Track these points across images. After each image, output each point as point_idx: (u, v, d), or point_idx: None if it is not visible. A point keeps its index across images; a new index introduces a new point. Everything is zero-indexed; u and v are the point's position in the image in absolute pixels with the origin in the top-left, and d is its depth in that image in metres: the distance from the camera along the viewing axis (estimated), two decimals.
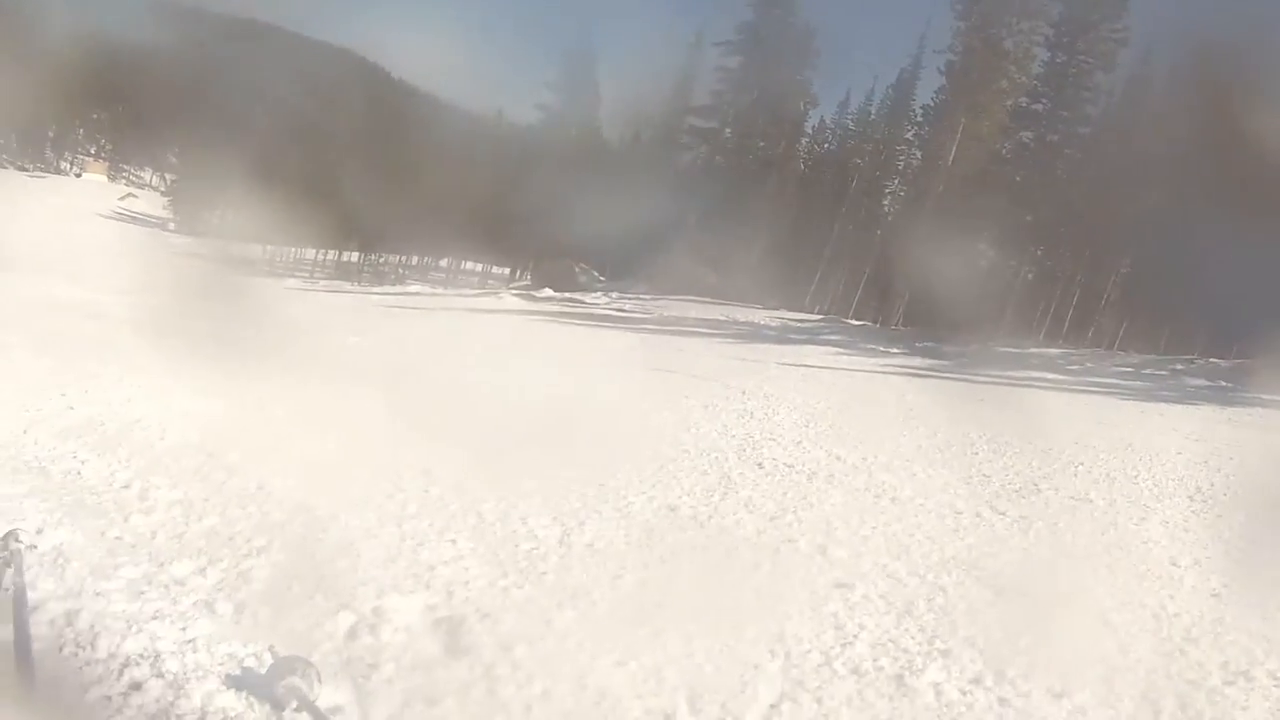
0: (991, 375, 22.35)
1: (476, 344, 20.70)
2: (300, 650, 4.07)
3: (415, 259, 44.86)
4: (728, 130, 46.85)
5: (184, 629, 4.27)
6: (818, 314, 37.32)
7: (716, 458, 10.33)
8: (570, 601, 5.48)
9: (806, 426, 13.10)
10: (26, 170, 56.27)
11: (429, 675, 4.27)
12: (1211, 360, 25.17)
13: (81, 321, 13.87)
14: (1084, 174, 36.26)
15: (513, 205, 36.47)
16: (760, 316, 33.44)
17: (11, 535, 4.83)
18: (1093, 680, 5.34)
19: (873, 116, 48.28)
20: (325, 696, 3.80)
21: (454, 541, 5.94)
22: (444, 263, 44.81)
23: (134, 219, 49.71)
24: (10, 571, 4.38)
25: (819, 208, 43.54)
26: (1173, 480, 11.79)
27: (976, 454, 12.39)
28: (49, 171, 58.85)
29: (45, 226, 36.08)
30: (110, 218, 48.60)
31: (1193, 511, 10.40)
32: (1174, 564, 8.06)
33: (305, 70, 47.38)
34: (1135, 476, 11.81)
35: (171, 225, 48.82)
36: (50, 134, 60.14)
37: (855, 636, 5.55)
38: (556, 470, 8.55)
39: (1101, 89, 40.03)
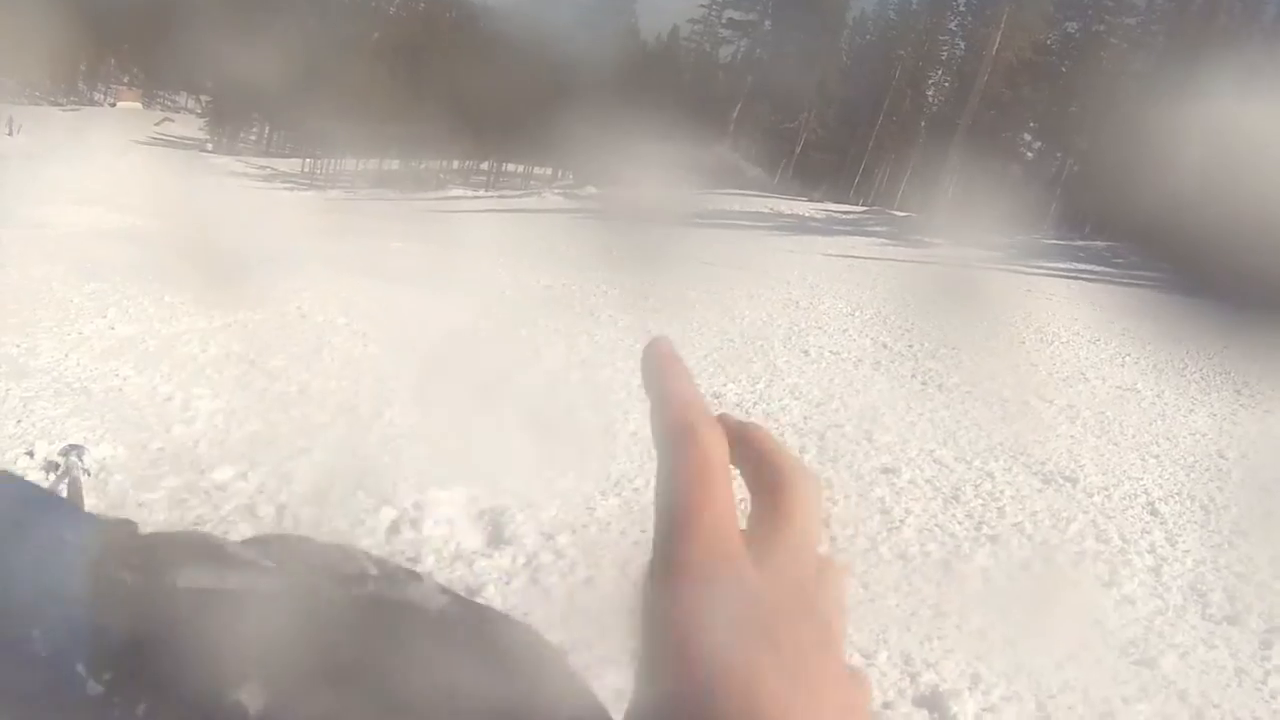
0: (1039, 266, 22.08)
1: (515, 243, 20.59)
2: None
3: (456, 163, 44.63)
4: (767, 22, 46.12)
5: (225, 533, 4.27)
6: (862, 205, 36.90)
7: (762, 346, 10.27)
8: (614, 489, 5.45)
9: (852, 315, 13.00)
10: (61, 105, 56.23)
11: (470, 566, 4.26)
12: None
13: (123, 247, 13.86)
14: (1130, 64, 35.52)
15: (550, 105, 36.12)
16: (804, 208, 33.09)
17: (74, 450, 4.86)
18: (1141, 570, 5.29)
19: (914, 6, 47.39)
20: None
21: (497, 433, 5.91)
22: (485, 166, 44.59)
23: (171, 143, 49.72)
24: (66, 485, 4.41)
25: (862, 100, 42.95)
26: (1220, 374, 11.65)
27: (1024, 343, 12.28)
28: (83, 104, 58.80)
29: (84, 158, 36.17)
30: (148, 144, 48.60)
31: (1240, 405, 10.30)
32: (1222, 456, 7.97)
33: None
34: (1183, 369, 11.68)
35: (209, 146, 48.91)
36: (82, 67, 59.94)
37: (902, 521, 5.51)
38: (599, 362, 8.53)
39: None
